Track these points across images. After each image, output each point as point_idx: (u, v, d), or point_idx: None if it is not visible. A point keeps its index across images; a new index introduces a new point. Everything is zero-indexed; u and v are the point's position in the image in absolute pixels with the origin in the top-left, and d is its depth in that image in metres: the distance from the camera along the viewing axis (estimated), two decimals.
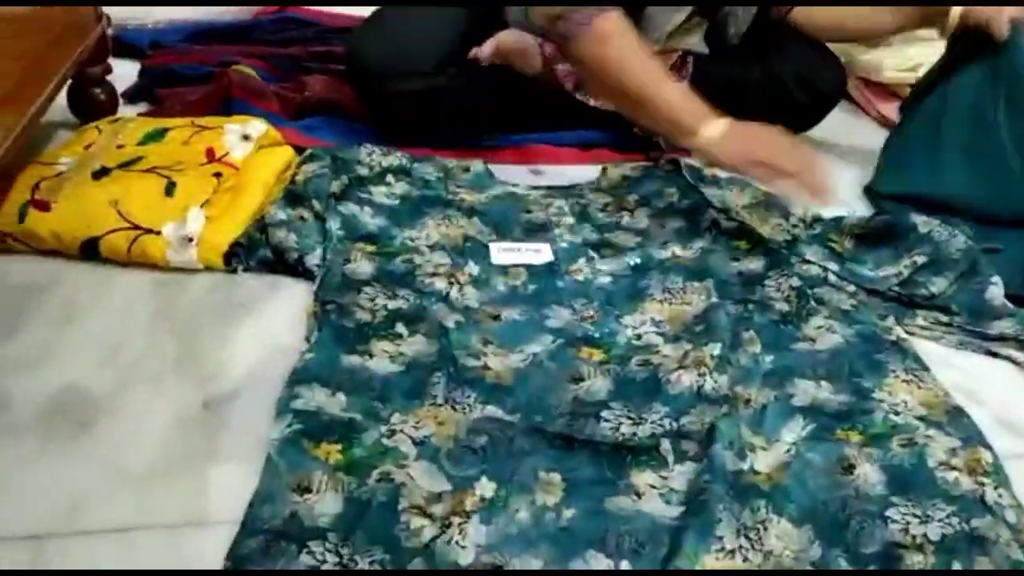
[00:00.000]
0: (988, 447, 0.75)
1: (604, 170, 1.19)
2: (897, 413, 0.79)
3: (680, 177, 1.16)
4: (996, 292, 0.95)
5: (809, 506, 0.69)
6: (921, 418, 0.79)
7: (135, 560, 0.62)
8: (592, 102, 1.28)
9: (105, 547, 0.63)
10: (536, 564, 0.62)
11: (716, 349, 0.83)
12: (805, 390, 0.81)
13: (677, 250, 1.01)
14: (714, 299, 0.92)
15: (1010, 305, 0.94)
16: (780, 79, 1.27)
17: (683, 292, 0.94)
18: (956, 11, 1.15)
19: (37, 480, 0.68)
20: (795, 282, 0.95)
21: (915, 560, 0.64)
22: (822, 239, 1.04)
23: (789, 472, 0.71)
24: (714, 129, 0.99)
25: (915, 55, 1.53)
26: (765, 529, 0.66)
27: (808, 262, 1.00)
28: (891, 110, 1.53)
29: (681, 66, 1.26)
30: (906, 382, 0.83)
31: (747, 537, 0.65)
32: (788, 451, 0.74)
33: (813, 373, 0.83)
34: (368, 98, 1.24)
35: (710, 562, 0.63)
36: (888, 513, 0.68)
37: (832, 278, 0.98)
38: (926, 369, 0.85)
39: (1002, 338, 0.92)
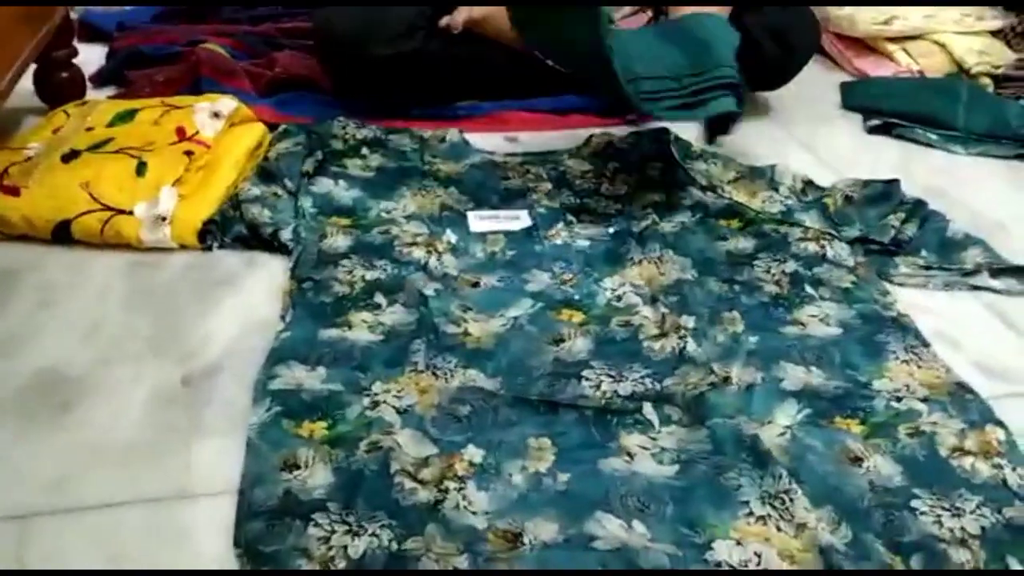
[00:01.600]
0: (999, 424, 0.73)
1: (589, 138, 1.18)
2: (899, 399, 0.76)
3: (667, 151, 1.13)
4: (956, 228, 0.99)
5: (823, 489, 0.66)
6: (924, 399, 0.76)
7: (122, 534, 0.62)
8: (563, 69, 1.27)
9: (90, 523, 0.63)
10: (551, 528, 0.62)
11: (690, 322, 0.83)
12: (795, 375, 0.78)
13: (655, 219, 1.00)
14: (688, 275, 0.91)
15: (972, 235, 0.98)
16: (753, 33, 1.26)
17: (660, 261, 0.93)
18: None
19: (19, 460, 0.68)
20: (789, 267, 0.93)
21: (964, 558, 0.62)
22: (818, 204, 1.03)
23: (790, 455, 0.69)
24: None
25: (888, 8, 1.53)
26: (792, 500, 0.64)
27: (805, 239, 0.97)
28: (866, 64, 1.53)
29: (655, 19, 1.25)
30: (906, 362, 0.81)
31: (773, 506, 0.64)
32: (783, 434, 0.71)
33: (801, 358, 0.80)
34: (337, 68, 1.23)
35: (743, 527, 0.63)
36: (914, 504, 0.66)
37: (830, 254, 0.95)
38: (926, 345, 0.83)
39: (977, 269, 0.95)
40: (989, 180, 1.21)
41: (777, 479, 0.66)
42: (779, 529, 0.63)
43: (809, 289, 0.90)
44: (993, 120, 1.29)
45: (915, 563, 0.62)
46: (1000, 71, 1.45)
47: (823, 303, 0.88)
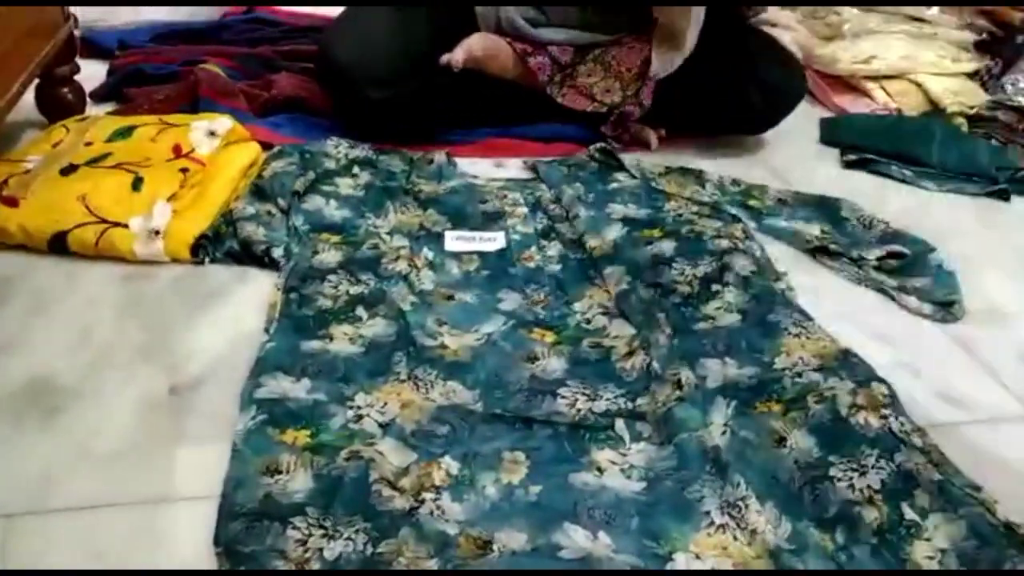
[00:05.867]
0: (882, 381, 0.79)
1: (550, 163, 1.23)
2: (800, 375, 0.81)
3: (588, 167, 1.21)
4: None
5: (764, 484, 0.70)
6: (818, 369, 0.81)
7: (103, 535, 0.64)
8: (560, 99, 1.31)
9: (74, 523, 0.65)
10: (520, 537, 0.64)
11: (638, 339, 0.86)
12: (714, 369, 0.83)
13: (593, 242, 1.03)
14: (623, 286, 0.94)
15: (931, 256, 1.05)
16: (741, 85, 1.29)
17: (607, 281, 0.96)
18: None
19: (7, 461, 0.70)
20: (699, 272, 0.97)
21: (872, 516, 0.67)
22: (740, 201, 1.13)
23: (733, 454, 0.72)
24: None
25: (869, 47, 1.58)
26: (746, 506, 0.67)
27: (719, 236, 1.03)
28: (846, 101, 1.58)
29: (644, 68, 1.29)
30: (796, 336, 0.87)
31: (731, 515, 0.67)
32: (723, 432, 0.75)
33: (715, 350, 0.85)
34: (340, 102, 1.26)
35: (703, 540, 0.65)
36: (831, 473, 0.71)
37: (740, 245, 1.02)
38: (810, 319, 0.90)
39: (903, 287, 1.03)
40: (959, 216, 1.25)
41: (735, 487, 0.69)
42: (735, 538, 0.65)
43: (715, 286, 0.95)
44: (965, 158, 1.33)
45: (839, 536, 0.66)
46: (974, 111, 1.50)
47: (725, 291, 0.93)
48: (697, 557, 0.64)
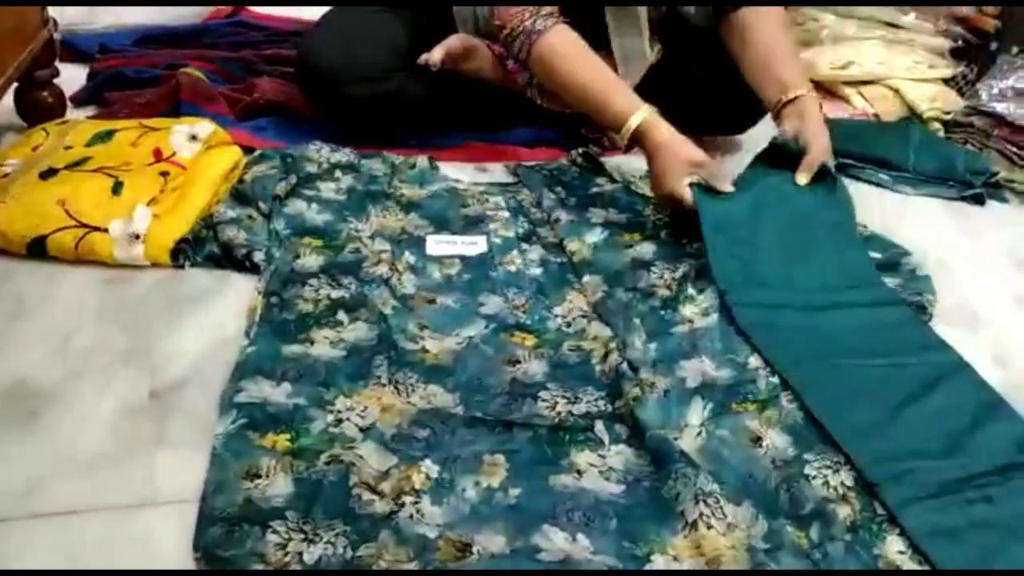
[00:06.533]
0: None
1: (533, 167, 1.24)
2: (773, 374, 0.83)
3: (570, 172, 1.22)
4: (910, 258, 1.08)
5: (740, 483, 0.71)
6: None
7: (84, 540, 0.64)
8: (540, 101, 1.31)
9: (54, 529, 0.65)
10: (499, 540, 0.65)
11: (612, 336, 0.87)
12: (692, 370, 0.84)
13: (573, 246, 1.04)
14: (601, 292, 0.95)
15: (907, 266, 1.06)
16: (720, 83, 1.30)
17: (586, 285, 0.97)
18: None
19: None
20: (678, 273, 0.98)
21: (845, 513, 0.68)
22: None
23: (709, 454, 0.74)
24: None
25: (847, 53, 1.60)
26: (725, 498, 0.68)
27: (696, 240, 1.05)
28: (824, 107, 1.59)
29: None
30: None
31: (706, 503, 0.68)
32: (699, 434, 0.76)
33: (693, 351, 0.86)
34: (319, 102, 1.27)
35: (680, 541, 0.66)
36: (806, 471, 0.72)
37: None
38: None
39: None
40: (935, 220, 1.27)
41: (709, 482, 0.70)
42: (710, 527, 0.66)
43: (691, 289, 0.95)
44: (941, 163, 1.35)
45: (813, 533, 0.68)
46: (950, 117, 1.52)
47: (699, 296, 0.94)
48: (675, 559, 0.65)
